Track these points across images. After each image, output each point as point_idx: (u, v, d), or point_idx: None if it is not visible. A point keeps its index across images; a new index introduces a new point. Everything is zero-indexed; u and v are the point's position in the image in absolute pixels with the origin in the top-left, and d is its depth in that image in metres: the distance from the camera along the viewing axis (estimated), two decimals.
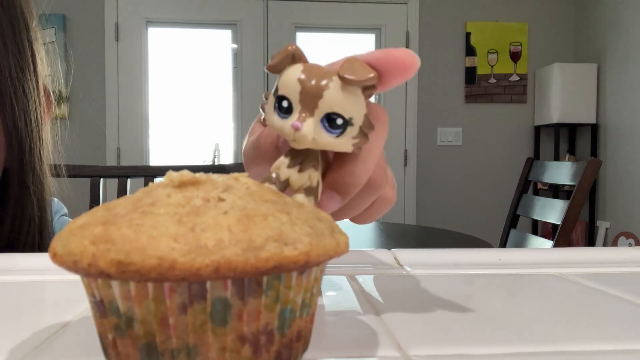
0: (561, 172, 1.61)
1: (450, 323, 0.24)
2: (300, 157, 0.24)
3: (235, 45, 3.19)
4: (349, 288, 0.30)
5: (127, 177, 1.15)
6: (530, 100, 3.34)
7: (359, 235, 1.70)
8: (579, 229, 3.28)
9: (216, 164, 2.70)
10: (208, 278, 0.15)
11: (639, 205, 2.84)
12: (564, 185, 2.94)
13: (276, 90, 0.23)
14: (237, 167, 1.20)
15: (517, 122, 3.34)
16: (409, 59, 0.23)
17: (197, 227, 0.16)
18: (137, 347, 0.17)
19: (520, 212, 1.77)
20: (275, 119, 0.23)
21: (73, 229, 0.17)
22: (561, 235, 1.43)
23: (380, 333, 0.22)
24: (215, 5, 3.14)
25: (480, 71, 3.29)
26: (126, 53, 3.09)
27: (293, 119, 0.23)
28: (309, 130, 0.22)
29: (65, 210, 0.66)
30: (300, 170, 0.23)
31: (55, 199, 0.64)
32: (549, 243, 1.57)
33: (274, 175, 0.24)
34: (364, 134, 0.23)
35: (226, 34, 3.22)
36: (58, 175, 0.58)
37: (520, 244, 1.72)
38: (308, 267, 0.17)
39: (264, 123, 0.24)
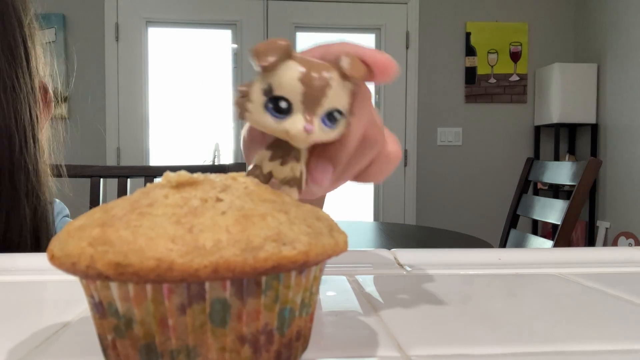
0: (561, 172, 1.61)
1: (450, 323, 0.24)
2: (282, 149, 0.23)
3: (235, 45, 3.19)
4: (349, 288, 0.30)
5: (127, 177, 1.15)
6: (530, 100, 3.34)
7: (359, 235, 1.70)
8: (579, 229, 3.28)
9: (216, 164, 2.70)
10: (207, 279, 0.15)
11: (639, 205, 2.84)
12: (564, 185, 2.94)
13: (269, 89, 0.22)
14: (236, 167, 1.20)
15: (517, 122, 3.34)
16: (392, 64, 0.24)
17: (195, 227, 0.16)
18: (136, 348, 0.17)
19: (520, 212, 1.77)
20: (267, 119, 0.22)
21: (71, 231, 0.17)
22: (561, 235, 1.43)
23: (380, 333, 0.22)
24: (215, 5, 3.14)
25: (480, 71, 3.29)
26: (126, 53, 3.09)
27: (296, 120, 0.22)
28: (318, 130, 0.22)
29: (67, 211, 0.65)
30: (282, 163, 0.23)
31: (57, 200, 0.64)
32: (549, 243, 1.57)
33: (254, 168, 0.23)
34: (348, 119, 0.24)
35: (226, 34, 3.22)
36: (59, 176, 0.57)
37: (520, 244, 1.72)
38: (307, 266, 0.17)
39: (241, 116, 0.23)
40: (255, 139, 0.27)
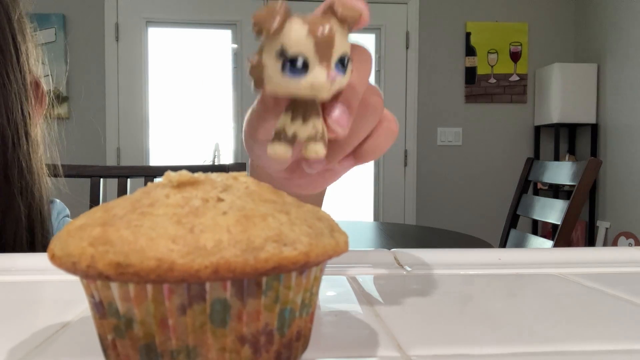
0: (561, 172, 1.61)
1: (450, 323, 0.24)
2: (301, 108, 0.24)
3: (235, 45, 3.19)
4: (349, 288, 0.30)
5: (127, 177, 1.15)
6: (530, 100, 3.34)
7: (359, 235, 1.70)
8: (579, 229, 3.28)
9: (216, 164, 2.70)
10: (207, 279, 0.15)
11: (639, 205, 2.84)
12: (564, 185, 2.94)
13: (282, 52, 0.22)
14: (237, 167, 1.20)
15: (517, 122, 3.34)
16: (365, 7, 0.25)
17: (196, 228, 0.16)
18: (136, 348, 0.17)
19: (520, 212, 1.77)
20: (288, 81, 0.23)
21: (71, 231, 0.17)
22: (561, 235, 1.43)
23: (380, 333, 0.22)
24: (215, 5, 3.14)
25: (480, 71, 3.29)
26: (126, 53, 3.09)
27: (317, 73, 0.22)
28: (339, 82, 0.23)
29: (67, 211, 0.65)
30: (304, 121, 0.24)
31: (58, 200, 0.63)
32: (549, 243, 1.57)
33: (278, 134, 0.24)
34: (351, 64, 0.25)
35: (226, 34, 3.22)
36: (56, 175, 0.57)
37: (520, 244, 1.72)
38: (307, 267, 0.17)
39: (259, 86, 0.24)
40: (269, 108, 0.27)
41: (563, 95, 3.07)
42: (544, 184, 3.11)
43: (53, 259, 0.17)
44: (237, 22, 3.16)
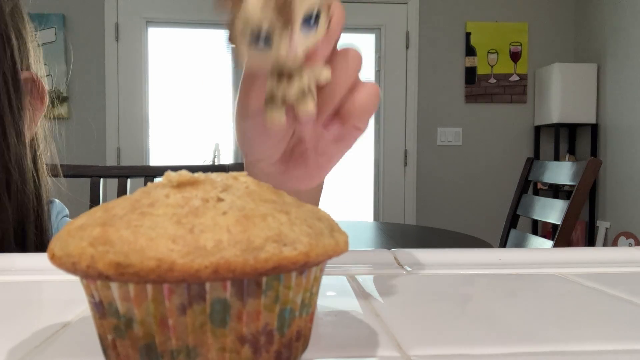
0: (561, 172, 1.61)
1: (450, 323, 0.24)
2: (284, 69, 0.24)
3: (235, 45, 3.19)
4: (349, 288, 0.30)
5: (127, 177, 1.15)
6: (530, 100, 3.34)
7: (359, 235, 1.70)
8: (579, 229, 3.28)
9: (216, 164, 2.70)
10: (207, 279, 0.15)
11: (639, 205, 2.84)
12: (564, 185, 2.94)
13: (245, 28, 0.22)
14: (237, 167, 1.20)
15: (517, 122, 3.34)
16: None
17: (196, 228, 0.16)
18: (136, 348, 0.17)
19: (520, 212, 1.77)
20: (256, 55, 0.22)
21: (71, 230, 0.17)
22: (561, 235, 1.43)
23: (380, 333, 0.22)
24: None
25: (480, 71, 3.29)
26: (126, 53, 3.09)
27: (279, 45, 0.22)
28: (302, 49, 0.22)
29: (66, 211, 0.64)
30: (289, 82, 0.24)
31: (57, 200, 0.63)
32: (549, 243, 1.57)
33: (269, 101, 0.24)
34: (328, 10, 0.24)
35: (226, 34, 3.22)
36: (55, 175, 0.56)
37: (520, 244, 1.72)
38: (307, 267, 0.17)
39: (239, 66, 0.24)
40: (254, 78, 0.28)
41: (563, 95, 3.07)
42: (544, 184, 3.11)
43: (53, 259, 0.17)
44: None
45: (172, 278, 0.15)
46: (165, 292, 0.16)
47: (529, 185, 1.81)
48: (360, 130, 0.29)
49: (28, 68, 0.52)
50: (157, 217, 0.16)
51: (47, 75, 0.58)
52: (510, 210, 1.82)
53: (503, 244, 1.79)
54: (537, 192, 3.22)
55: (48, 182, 0.54)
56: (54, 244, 0.17)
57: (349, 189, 3.18)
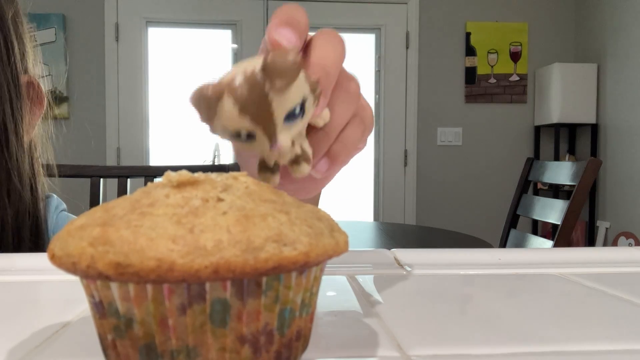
0: (561, 172, 1.61)
1: (450, 323, 0.24)
2: None
3: (235, 45, 3.19)
4: (349, 288, 0.30)
5: (127, 177, 1.15)
6: (530, 100, 3.34)
7: (359, 235, 1.70)
8: (579, 229, 3.28)
9: (216, 164, 2.70)
10: (207, 279, 0.15)
11: (639, 205, 2.84)
12: (564, 185, 2.94)
13: (225, 130, 0.22)
14: (237, 167, 1.20)
15: (517, 122, 3.34)
16: (278, 39, 0.24)
17: (196, 228, 0.16)
18: (136, 348, 0.17)
19: (520, 212, 1.77)
20: (242, 146, 0.23)
21: (71, 230, 0.17)
22: (561, 235, 1.43)
23: (380, 333, 0.22)
24: (215, 5, 3.14)
25: (480, 71, 3.29)
26: (126, 53, 3.09)
27: (261, 143, 0.22)
28: (287, 143, 0.22)
29: (64, 206, 0.64)
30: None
31: (54, 195, 0.63)
32: (549, 243, 1.57)
33: (262, 165, 0.24)
34: (317, 94, 0.23)
35: (226, 34, 3.22)
36: (51, 175, 0.56)
37: (520, 244, 1.72)
38: (307, 267, 0.17)
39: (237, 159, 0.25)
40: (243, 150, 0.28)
41: (563, 95, 3.07)
42: (544, 184, 3.11)
43: (53, 259, 0.17)
44: (237, 22, 3.16)
45: (172, 278, 0.15)
46: (165, 292, 0.16)
47: (529, 185, 1.81)
48: (358, 150, 0.29)
49: (27, 71, 0.52)
50: (157, 217, 0.16)
51: (46, 75, 0.57)
52: (510, 210, 1.82)
53: (503, 244, 1.79)
54: (537, 192, 3.22)
55: (44, 184, 0.54)
56: (54, 244, 0.17)
57: (349, 189, 3.18)
